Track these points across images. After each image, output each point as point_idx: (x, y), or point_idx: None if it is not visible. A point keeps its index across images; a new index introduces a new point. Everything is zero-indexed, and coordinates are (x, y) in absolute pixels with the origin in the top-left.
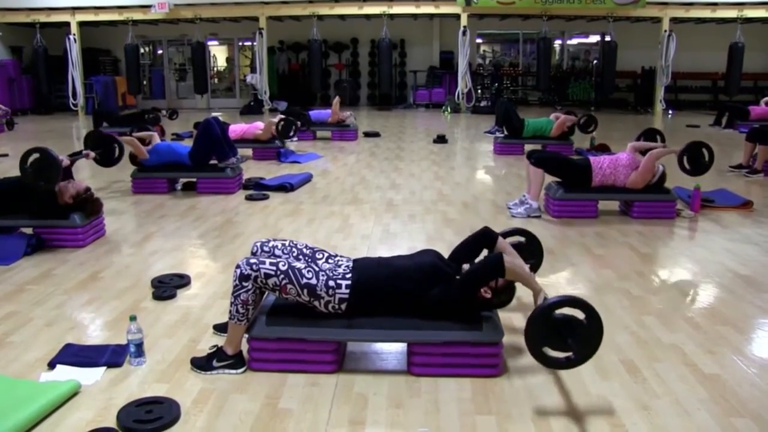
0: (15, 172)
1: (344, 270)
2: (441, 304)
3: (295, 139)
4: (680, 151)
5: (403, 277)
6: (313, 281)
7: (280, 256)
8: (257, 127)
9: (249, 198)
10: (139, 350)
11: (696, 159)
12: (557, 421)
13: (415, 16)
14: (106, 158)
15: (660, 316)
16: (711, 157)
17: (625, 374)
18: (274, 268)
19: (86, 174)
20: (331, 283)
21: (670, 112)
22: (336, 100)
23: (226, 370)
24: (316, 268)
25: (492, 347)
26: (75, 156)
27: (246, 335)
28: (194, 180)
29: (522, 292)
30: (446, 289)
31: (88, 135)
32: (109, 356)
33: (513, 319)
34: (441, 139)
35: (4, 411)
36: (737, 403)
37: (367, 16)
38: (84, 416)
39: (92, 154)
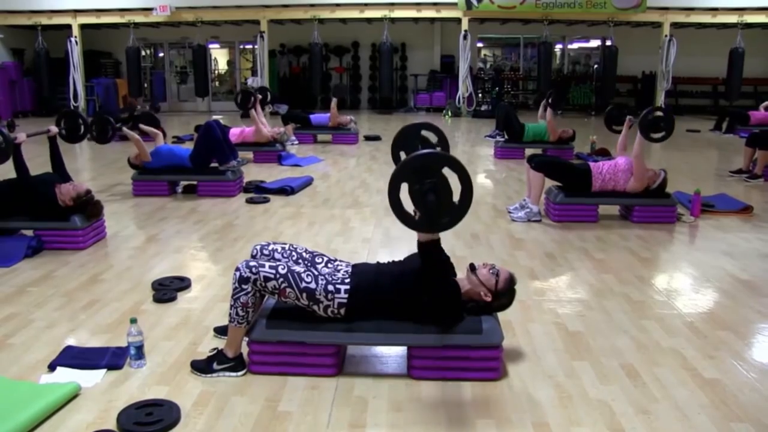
0: (15, 173)
1: (343, 275)
2: (434, 306)
3: (296, 141)
4: (639, 120)
5: (400, 282)
6: (312, 285)
7: (279, 260)
8: (254, 130)
9: (250, 201)
10: (140, 353)
11: (654, 123)
12: (557, 426)
13: (416, 20)
14: (72, 134)
15: (660, 320)
16: (668, 119)
17: (625, 378)
18: (274, 271)
19: (87, 176)
20: (330, 287)
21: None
22: (334, 102)
23: (226, 373)
24: (316, 273)
25: (492, 351)
26: (36, 133)
27: (246, 338)
28: (195, 183)
29: (522, 295)
30: (437, 292)
31: (94, 118)
32: (110, 358)
33: (513, 322)
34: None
35: (4, 413)
36: (737, 408)
37: (368, 20)
38: (84, 418)
39: (54, 129)
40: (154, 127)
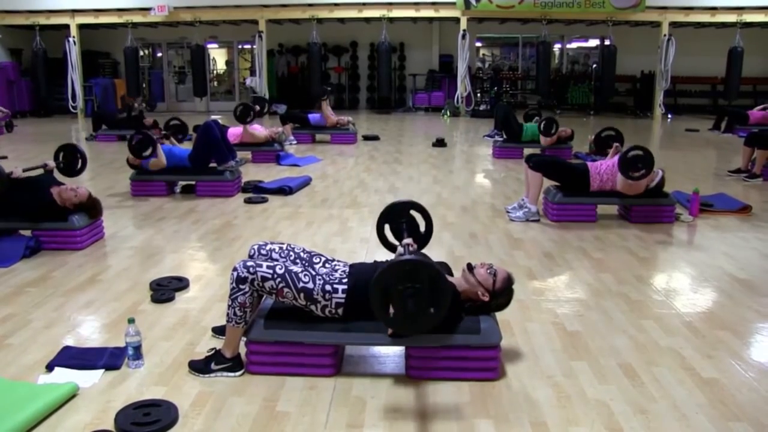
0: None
1: (341, 275)
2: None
3: (294, 141)
4: (618, 160)
5: None
6: (310, 285)
7: (277, 260)
8: (256, 129)
9: (248, 201)
10: (138, 353)
11: (633, 162)
12: (555, 425)
13: (414, 19)
14: (70, 168)
15: (658, 320)
16: (647, 158)
17: (623, 378)
18: (271, 271)
19: (85, 177)
20: (328, 287)
21: (669, 116)
22: (324, 104)
23: (224, 373)
24: (313, 272)
25: (490, 351)
26: (32, 168)
27: (244, 338)
28: (193, 183)
29: (520, 295)
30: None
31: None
32: (108, 359)
33: (511, 322)
34: (440, 143)
35: (2, 413)
36: (735, 408)
37: (367, 20)
38: (82, 419)
39: (52, 164)
40: (183, 134)
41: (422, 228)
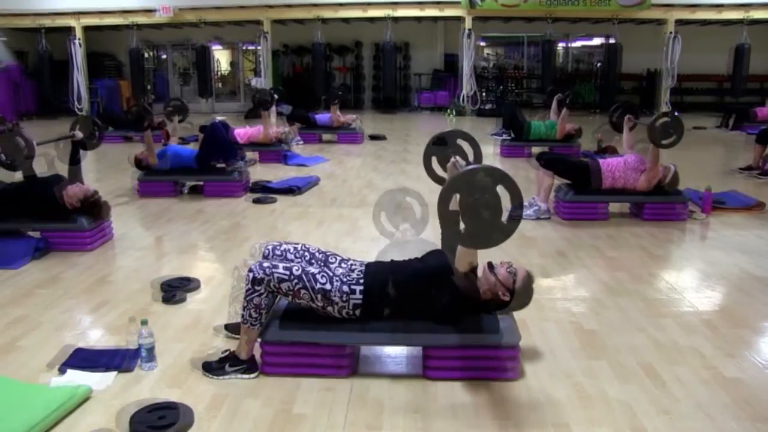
0: (20, 175)
1: (358, 275)
2: (452, 306)
3: (301, 141)
4: (647, 130)
5: (415, 280)
6: (328, 286)
7: (292, 260)
8: (260, 130)
9: (256, 201)
10: (151, 354)
11: (664, 129)
12: (577, 426)
13: (418, 19)
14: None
15: (676, 318)
16: (677, 123)
17: (644, 378)
18: (288, 272)
19: (92, 178)
20: (345, 288)
21: (675, 114)
22: (333, 107)
23: (239, 375)
24: (330, 273)
25: (509, 351)
26: (61, 138)
27: (259, 339)
28: (201, 183)
29: (536, 293)
30: (455, 290)
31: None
32: (120, 361)
33: (528, 321)
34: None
35: (16, 416)
36: (762, 408)
37: (371, 19)
38: (95, 421)
39: (79, 134)
40: (183, 115)
41: (471, 157)
